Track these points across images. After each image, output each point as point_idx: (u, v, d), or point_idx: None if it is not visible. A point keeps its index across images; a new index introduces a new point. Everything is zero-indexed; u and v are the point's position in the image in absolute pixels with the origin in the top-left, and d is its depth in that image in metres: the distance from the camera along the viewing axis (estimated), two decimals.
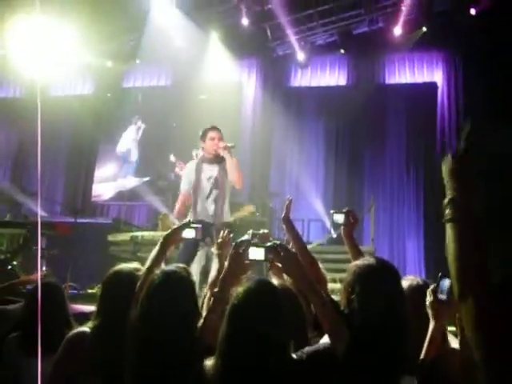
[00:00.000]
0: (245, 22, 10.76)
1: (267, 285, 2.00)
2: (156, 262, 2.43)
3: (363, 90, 10.70)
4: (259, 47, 11.54)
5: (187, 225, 2.62)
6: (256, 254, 2.22)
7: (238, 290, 1.96)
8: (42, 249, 7.94)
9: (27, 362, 2.84)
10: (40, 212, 10.44)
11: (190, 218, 5.22)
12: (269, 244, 2.22)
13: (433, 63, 10.88)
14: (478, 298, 1.33)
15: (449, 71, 10.64)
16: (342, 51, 11.07)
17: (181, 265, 2.35)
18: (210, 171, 5.39)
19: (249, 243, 2.28)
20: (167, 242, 2.54)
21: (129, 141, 12.45)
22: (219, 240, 2.86)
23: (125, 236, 8.55)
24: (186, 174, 5.60)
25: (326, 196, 10.69)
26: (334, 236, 8.64)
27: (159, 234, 7.76)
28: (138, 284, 2.32)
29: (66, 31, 11.18)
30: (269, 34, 11.11)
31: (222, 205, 5.36)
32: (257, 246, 2.25)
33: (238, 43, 11.26)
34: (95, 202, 12.23)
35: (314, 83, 11.63)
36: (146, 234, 8.20)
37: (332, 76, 11.55)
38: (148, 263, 2.43)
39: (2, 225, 7.75)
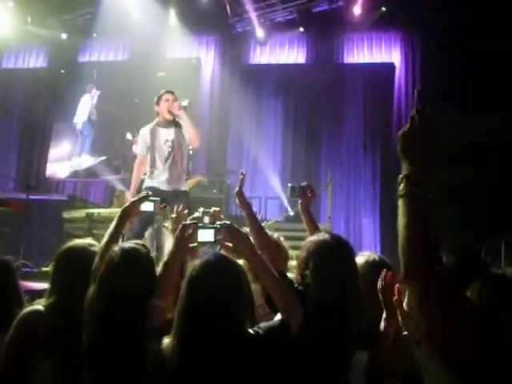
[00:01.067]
0: None
1: (225, 258, 1.96)
2: (113, 236, 2.38)
3: (322, 68, 10.73)
4: (218, 23, 11.43)
5: (146, 198, 2.56)
6: (205, 235, 2.17)
7: (195, 263, 1.92)
8: None
9: None
10: None
11: (146, 183, 5.36)
12: (217, 224, 2.19)
13: (391, 43, 10.97)
14: (425, 272, 1.35)
15: (406, 52, 10.76)
16: (302, 29, 11.08)
17: (139, 241, 2.32)
18: (167, 135, 5.38)
19: (196, 225, 2.21)
20: (125, 215, 2.48)
21: (84, 113, 12.14)
22: (173, 215, 2.82)
23: (80, 213, 8.41)
24: (141, 138, 5.56)
25: (284, 173, 10.73)
26: (292, 213, 8.72)
27: (115, 211, 7.67)
28: (96, 260, 2.27)
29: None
30: (228, 10, 10.99)
31: (181, 170, 5.39)
32: (205, 227, 2.20)
33: (197, 19, 11.13)
34: (50, 179, 11.97)
35: (273, 61, 11.60)
36: (103, 211, 8.07)
37: (291, 54, 11.54)
38: (105, 238, 2.38)
39: None
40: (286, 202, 9.82)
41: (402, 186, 1.42)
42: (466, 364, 1.31)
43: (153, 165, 5.37)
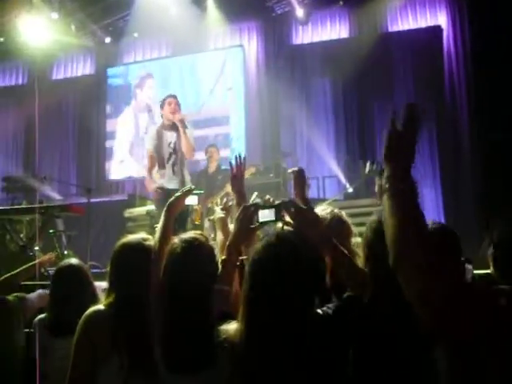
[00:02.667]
0: None
1: (288, 238, 1.87)
2: (166, 231, 2.37)
3: (366, 40, 10.48)
4: (257, 8, 11.36)
5: (190, 191, 2.56)
6: (266, 215, 2.12)
7: (257, 245, 1.86)
8: (60, 231, 8.03)
9: (53, 342, 2.86)
10: (55, 195, 10.56)
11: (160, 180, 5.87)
12: (277, 202, 2.14)
13: (435, 5, 10.60)
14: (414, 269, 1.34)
15: (453, 12, 10.38)
16: (341, 3, 10.87)
17: (197, 231, 2.33)
18: (170, 137, 5.90)
19: (257, 205, 2.18)
20: (171, 209, 2.47)
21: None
22: (221, 204, 2.79)
23: (141, 211, 8.58)
24: (149, 137, 6.10)
25: (339, 151, 10.61)
26: (350, 190, 8.60)
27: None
28: (154, 254, 2.29)
29: (61, 14, 11.14)
30: None
31: (182, 169, 5.93)
32: (265, 207, 2.15)
33: (236, 7, 11.09)
34: (110, 181, 12.22)
35: (316, 39, 11.40)
36: None
37: (333, 29, 11.32)
38: (157, 234, 2.38)
39: (20, 211, 7.78)
40: (343, 180, 9.73)
41: (387, 186, 1.42)
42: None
43: (160, 164, 5.92)
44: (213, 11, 11.30)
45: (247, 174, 7.70)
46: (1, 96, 13.59)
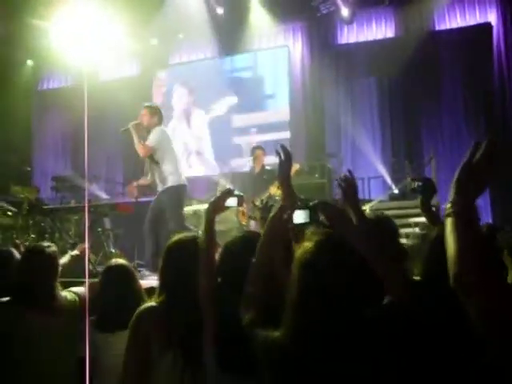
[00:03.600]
0: None
1: (337, 237, 1.83)
2: (210, 232, 2.38)
3: (413, 39, 10.34)
4: (302, 9, 11.33)
5: (229, 193, 2.53)
6: (300, 216, 2.04)
7: (306, 244, 1.78)
8: (107, 229, 8.19)
9: (103, 339, 2.92)
10: (102, 194, 10.77)
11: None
12: (312, 203, 2.05)
13: (485, 2, 10.38)
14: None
15: (504, 9, 10.14)
16: (387, 2, 10.75)
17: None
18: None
19: (293, 206, 2.10)
20: (212, 211, 2.47)
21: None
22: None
23: (187, 210, 8.66)
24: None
25: (385, 151, 10.51)
26: (396, 191, 8.51)
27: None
28: (204, 255, 2.30)
29: (108, 16, 11.33)
30: None
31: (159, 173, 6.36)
32: (300, 208, 2.07)
33: (281, 7, 11.10)
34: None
35: (362, 38, 11.33)
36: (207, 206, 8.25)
37: (379, 29, 11.21)
38: (203, 236, 2.38)
39: (69, 210, 7.97)
40: (389, 180, 9.63)
41: (452, 211, 1.42)
42: None
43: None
44: (258, 12, 11.34)
45: (292, 171, 7.71)
46: (50, 98, 13.95)
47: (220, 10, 11.34)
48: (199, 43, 12.63)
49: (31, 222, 9.48)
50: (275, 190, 7.57)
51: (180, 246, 2.53)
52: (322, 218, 2.04)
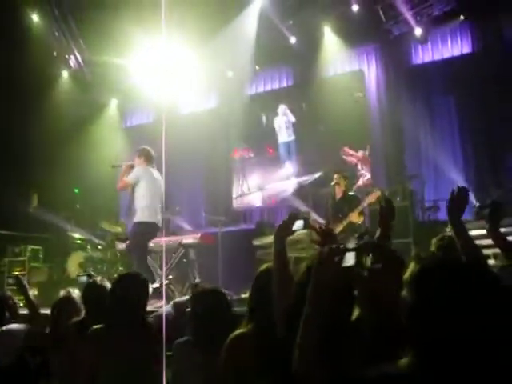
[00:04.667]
0: (355, 8, 10.64)
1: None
2: (281, 258, 2.43)
3: (491, 55, 10.06)
4: (374, 31, 11.29)
5: (296, 217, 2.59)
6: (348, 258, 1.90)
7: (412, 269, 1.64)
8: (191, 260, 8.40)
9: (196, 362, 3.00)
10: (185, 226, 11.03)
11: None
12: (355, 245, 1.93)
13: None
14: None
15: None
16: (462, 17, 10.51)
17: None
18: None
19: (345, 250, 1.94)
20: (281, 237, 2.53)
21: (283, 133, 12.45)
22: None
23: (270, 239, 8.71)
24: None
25: (468, 172, 10.18)
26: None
27: (300, 232, 7.85)
28: (276, 279, 2.36)
29: (184, 51, 11.76)
30: (382, 15, 10.82)
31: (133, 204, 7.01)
32: (349, 250, 1.93)
33: (353, 32, 11.11)
34: (237, 209, 12.57)
35: (437, 57, 11.10)
36: None
37: (455, 46, 10.95)
38: (274, 263, 2.46)
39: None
40: (474, 200, 9.36)
41: None
42: None
43: None
44: (330, 38, 11.43)
45: (373, 199, 7.65)
46: (134, 134, 14.51)
47: (293, 40, 11.51)
48: (275, 74, 12.84)
49: (119, 255, 9.89)
50: (356, 217, 7.53)
51: (267, 273, 2.59)
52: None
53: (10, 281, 9.74)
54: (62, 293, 4.12)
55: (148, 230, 7.02)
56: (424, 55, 11.29)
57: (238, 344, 2.49)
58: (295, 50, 11.67)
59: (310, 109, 11.73)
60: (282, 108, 12.25)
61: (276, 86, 12.93)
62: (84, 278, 4.21)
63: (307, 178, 11.39)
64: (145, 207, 6.92)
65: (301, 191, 11.26)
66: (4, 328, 3.69)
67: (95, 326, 3.16)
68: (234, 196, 12.67)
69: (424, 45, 11.08)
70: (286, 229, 2.57)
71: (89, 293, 3.69)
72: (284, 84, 12.82)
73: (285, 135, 12.34)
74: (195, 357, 2.97)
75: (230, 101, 12.99)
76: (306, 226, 2.58)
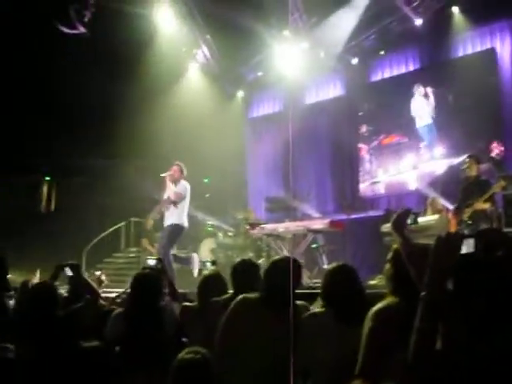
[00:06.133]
0: None
1: None
2: (406, 247, 2.55)
3: None
4: (507, 6, 10.68)
5: (409, 212, 2.73)
6: (466, 245, 1.88)
7: None
8: (320, 245, 8.52)
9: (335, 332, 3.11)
10: (313, 213, 11.16)
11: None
12: (477, 231, 1.94)
13: None
14: None
15: None
16: None
17: None
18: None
19: (463, 236, 1.93)
20: (400, 227, 2.65)
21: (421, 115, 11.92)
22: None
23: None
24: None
25: None
26: None
27: (430, 219, 7.72)
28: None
29: (309, 41, 11.88)
30: None
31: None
32: (467, 236, 1.92)
33: (483, 9, 10.60)
34: (364, 197, 12.51)
35: None
36: (420, 219, 8.15)
37: None
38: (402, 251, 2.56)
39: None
40: None
41: None
42: None
43: None
44: (458, 17, 11.00)
45: (498, 188, 7.35)
46: (260, 124, 14.86)
47: (419, 21, 11.21)
48: (400, 57, 12.56)
49: (249, 241, 10.22)
50: (483, 204, 7.27)
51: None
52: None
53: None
54: (205, 272, 4.46)
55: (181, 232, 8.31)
56: None
57: (382, 316, 2.57)
58: (421, 32, 11.34)
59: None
60: (421, 88, 11.80)
61: (402, 69, 12.63)
62: (152, 262, 4.51)
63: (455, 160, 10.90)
64: (182, 213, 8.18)
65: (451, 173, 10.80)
66: (164, 303, 4.03)
67: (251, 296, 3.39)
68: (366, 182, 12.57)
69: None
70: (399, 222, 2.69)
71: (238, 272, 3.93)
72: (410, 67, 12.50)
73: (424, 118, 11.82)
74: (329, 328, 3.09)
75: (356, 88, 12.90)
76: (415, 220, 2.71)
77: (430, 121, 11.68)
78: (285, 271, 3.22)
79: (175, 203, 8.01)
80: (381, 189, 12.25)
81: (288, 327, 2.79)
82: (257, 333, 3.18)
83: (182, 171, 8.25)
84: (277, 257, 3.79)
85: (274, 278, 3.37)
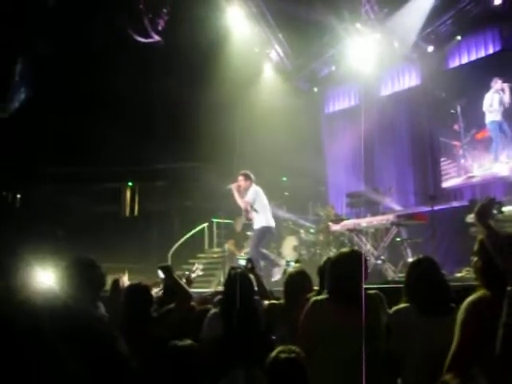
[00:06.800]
0: None
1: None
2: (491, 238, 2.52)
3: None
4: None
5: (493, 201, 2.69)
6: None
7: None
8: (405, 239, 8.39)
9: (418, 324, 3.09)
10: (395, 206, 10.99)
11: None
12: None
13: None
14: None
15: None
16: None
17: None
18: None
19: None
20: (484, 217, 2.61)
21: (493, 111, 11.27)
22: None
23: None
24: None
25: None
26: None
27: None
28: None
29: (384, 33, 11.70)
30: None
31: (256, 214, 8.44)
32: None
33: None
34: (447, 188, 12.12)
35: None
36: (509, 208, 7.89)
37: None
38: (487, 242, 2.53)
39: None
40: None
41: None
42: None
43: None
44: None
45: None
46: (336, 119, 14.75)
47: (498, 1, 10.72)
48: (479, 41, 12.07)
49: (331, 237, 10.18)
50: None
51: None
52: None
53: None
54: (290, 269, 4.55)
55: (269, 233, 8.62)
56: None
57: (475, 308, 2.54)
58: (501, 11, 10.85)
59: None
60: (498, 83, 11.14)
61: (482, 53, 12.08)
62: (243, 262, 4.70)
63: None
64: (264, 216, 8.45)
65: None
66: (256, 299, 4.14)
67: (319, 297, 3.43)
68: (463, 176, 12.12)
69: None
70: (484, 212, 2.63)
71: (325, 270, 3.97)
72: (490, 50, 11.93)
73: (494, 114, 11.23)
74: (413, 322, 3.11)
75: (433, 76, 12.52)
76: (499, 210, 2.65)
77: (499, 117, 11.14)
78: (349, 263, 3.26)
79: (251, 210, 8.31)
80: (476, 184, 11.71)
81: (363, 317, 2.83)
82: (334, 331, 3.20)
83: (247, 179, 8.39)
84: (343, 249, 3.80)
85: (339, 269, 3.38)
